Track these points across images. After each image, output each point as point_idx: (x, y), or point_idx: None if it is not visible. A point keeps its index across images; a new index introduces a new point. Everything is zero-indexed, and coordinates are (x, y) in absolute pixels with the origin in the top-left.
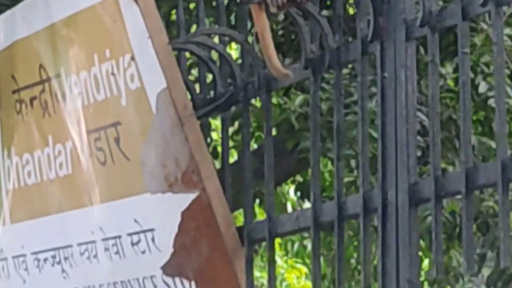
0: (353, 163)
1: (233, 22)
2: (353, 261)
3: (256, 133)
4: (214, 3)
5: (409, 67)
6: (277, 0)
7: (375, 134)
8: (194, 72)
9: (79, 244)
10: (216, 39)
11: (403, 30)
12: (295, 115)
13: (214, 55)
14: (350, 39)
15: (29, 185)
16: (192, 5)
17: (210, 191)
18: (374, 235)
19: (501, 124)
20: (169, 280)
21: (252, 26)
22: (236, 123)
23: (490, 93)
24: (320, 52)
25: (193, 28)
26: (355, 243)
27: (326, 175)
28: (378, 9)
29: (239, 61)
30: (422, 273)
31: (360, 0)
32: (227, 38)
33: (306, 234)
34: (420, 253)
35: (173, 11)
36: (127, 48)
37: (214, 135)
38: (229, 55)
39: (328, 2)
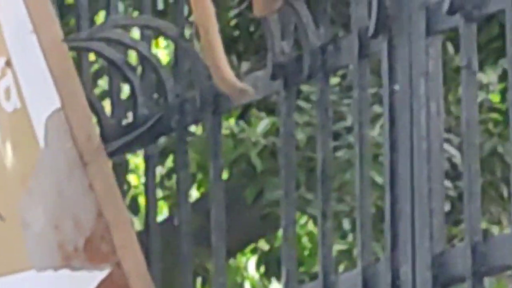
0: (346, 223)
1: (161, 7)
2: None
3: (198, 176)
4: None
5: (431, 74)
6: None
7: (379, 179)
8: (103, 83)
9: None
10: (135, 34)
11: (422, 20)
12: (257, 149)
13: (133, 57)
14: (341, 33)
15: None
16: None
17: (128, 267)
18: None
19: None
20: None
21: (190, 13)
22: (168, 161)
23: None
24: (295, 53)
25: (101, 16)
26: None
27: (305, 240)
28: None
29: (172, 67)
30: None
31: None
32: (152, 32)
33: None
34: None
35: None
36: None
37: (134, 179)
38: (156, 57)
39: None
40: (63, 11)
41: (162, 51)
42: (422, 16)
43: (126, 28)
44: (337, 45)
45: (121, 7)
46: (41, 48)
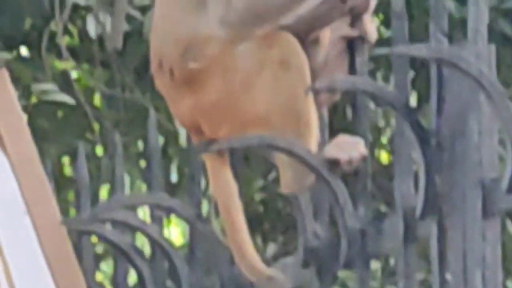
0: None
1: (175, 179)
2: None
3: None
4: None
5: (489, 264)
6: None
7: None
8: (107, 268)
9: None
10: (144, 211)
11: (478, 199)
12: None
13: (141, 239)
14: (384, 211)
15: None
16: None
17: None
18: None
19: None
20: None
21: (208, 187)
22: None
23: None
24: (330, 237)
25: (104, 191)
26: None
27: None
28: (434, 161)
29: (186, 250)
30: None
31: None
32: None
33: None
34: None
35: None
36: None
37: None
38: (168, 241)
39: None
40: (60, 185)
41: (175, 228)
42: (477, 195)
43: (133, 207)
44: (379, 227)
45: (127, 179)
46: (36, 231)
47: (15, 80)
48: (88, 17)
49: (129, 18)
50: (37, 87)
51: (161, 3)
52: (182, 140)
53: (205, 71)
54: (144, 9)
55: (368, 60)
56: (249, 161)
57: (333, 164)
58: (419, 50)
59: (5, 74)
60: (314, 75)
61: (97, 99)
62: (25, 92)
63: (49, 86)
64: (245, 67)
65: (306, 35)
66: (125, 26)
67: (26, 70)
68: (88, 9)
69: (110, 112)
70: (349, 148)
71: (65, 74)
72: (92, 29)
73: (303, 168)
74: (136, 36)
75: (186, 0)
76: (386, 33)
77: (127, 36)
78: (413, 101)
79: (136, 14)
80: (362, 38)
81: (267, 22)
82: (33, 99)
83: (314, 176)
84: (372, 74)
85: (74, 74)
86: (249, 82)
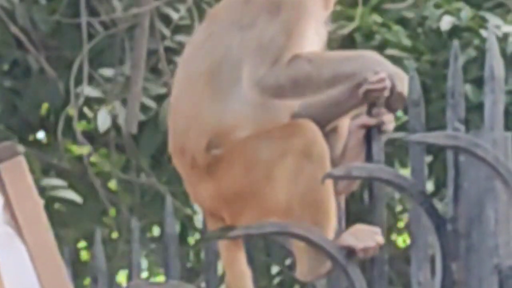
0: None
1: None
2: None
3: None
4: None
5: None
6: None
7: None
8: None
9: None
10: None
11: (495, 286)
12: None
13: None
14: None
15: None
16: None
17: None
18: None
19: None
20: None
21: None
22: None
23: None
24: None
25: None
26: None
27: None
28: (451, 247)
29: None
30: None
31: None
32: None
33: None
34: None
35: None
36: None
37: None
38: None
39: None
40: (78, 270)
41: None
42: (494, 281)
43: None
44: None
45: (144, 263)
46: None
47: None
48: (99, 112)
49: (144, 108)
50: (46, 181)
51: (184, 87)
52: (199, 224)
53: (227, 159)
54: (159, 98)
55: (384, 145)
56: (266, 247)
57: (349, 252)
58: (436, 137)
59: (23, 162)
60: (333, 164)
61: (113, 184)
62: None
63: (59, 182)
64: (267, 156)
65: (326, 123)
66: (140, 116)
67: (37, 164)
68: (101, 100)
69: (125, 196)
70: (366, 237)
71: (80, 159)
72: (101, 124)
73: (320, 256)
74: (151, 124)
75: (218, 86)
76: (403, 117)
77: (143, 123)
78: (430, 185)
79: (151, 103)
80: (379, 127)
81: (301, 96)
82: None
83: (331, 264)
84: (388, 157)
85: (90, 159)
86: (270, 171)
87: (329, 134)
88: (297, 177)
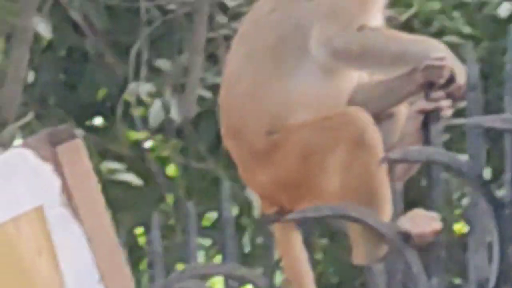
0: None
1: (248, 249)
2: None
3: None
4: None
5: None
6: None
7: None
8: None
9: None
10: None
11: None
12: None
13: None
14: (457, 282)
15: None
16: None
17: None
18: None
19: None
20: None
21: (279, 262)
22: None
23: None
24: None
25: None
26: None
27: None
28: (508, 232)
29: None
30: None
31: None
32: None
33: None
34: None
35: None
36: None
37: None
38: None
39: None
40: (134, 254)
41: None
42: None
43: (206, 277)
44: None
45: (201, 255)
46: None
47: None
48: (152, 106)
49: (200, 99)
50: (105, 165)
51: (242, 64)
52: (256, 210)
53: (284, 145)
54: (214, 88)
55: (442, 131)
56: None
57: (406, 237)
58: (493, 121)
59: (81, 144)
60: (390, 149)
61: (170, 170)
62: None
63: (117, 165)
64: (321, 144)
65: (380, 111)
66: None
67: (94, 148)
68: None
69: (183, 182)
70: (423, 222)
71: (138, 144)
72: (153, 118)
73: (376, 240)
74: (208, 113)
75: (284, 61)
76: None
77: (199, 113)
78: (487, 172)
79: (206, 94)
80: (438, 112)
81: (365, 66)
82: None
83: (387, 247)
84: (446, 145)
85: (148, 144)
86: (324, 160)
87: (385, 120)
88: (350, 165)
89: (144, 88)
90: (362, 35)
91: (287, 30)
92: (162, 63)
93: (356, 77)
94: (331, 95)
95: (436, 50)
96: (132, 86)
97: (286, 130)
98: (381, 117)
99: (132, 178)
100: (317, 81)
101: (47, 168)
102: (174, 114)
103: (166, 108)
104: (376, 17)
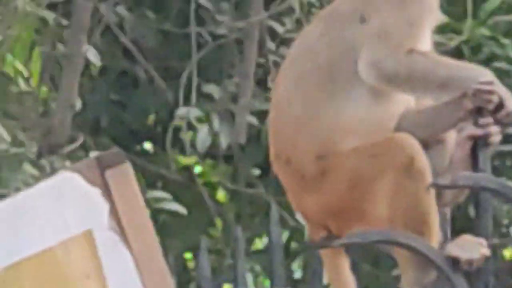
0: None
1: None
2: None
3: None
4: None
5: None
6: None
7: None
8: None
9: None
10: None
11: None
12: None
13: None
14: None
15: None
16: None
17: None
18: None
19: None
20: None
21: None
22: None
23: None
24: None
25: None
26: None
27: None
28: None
29: None
30: None
31: None
32: None
33: None
34: None
35: None
36: None
37: None
38: None
39: None
40: (182, 279)
41: None
42: None
43: None
44: None
45: (250, 280)
46: None
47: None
48: (200, 132)
49: (249, 125)
50: (150, 194)
51: (292, 88)
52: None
53: (333, 172)
54: (262, 114)
55: (492, 157)
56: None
57: (454, 262)
58: None
59: (130, 169)
60: (439, 175)
61: (219, 195)
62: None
63: (163, 194)
64: (369, 171)
65: (428, 137)
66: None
67: (140, 177)
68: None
69: (232, 206)
70: (471, 248)
71: (187, 169)
72: (201, 143)
73: (425, 266)
74: (254, 139)
75: (334, 84)
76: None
77: (247, 138)
78: None
79: (253, 120)
80: (486, 138)
81: (412, 90)
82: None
83: (435, 274)
84: (497, 170)
85: (197, 169)
86: (372, 186)
87: (434, 146)
88: (398, 192)
89: (193, 112)
90: (410, 58)
91: (337, 53)
92: (211, 89)
93: (405, 102)
94: (380, 119)
95: (484, 76)
96: (181, 110)
97: (335, 155)
98: (429, 143)
99: (177, 207)
100: (367, 104)
101: (96, 192)
102: (223, 139)
103: (213, 133)
104: (425, 42)
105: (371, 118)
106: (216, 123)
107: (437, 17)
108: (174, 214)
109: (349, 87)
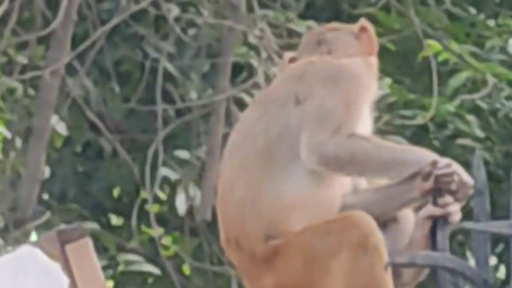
0: None
1: None
2: None
3: None
4: None
5: None
6: None
7: None
8: None
9: None
10: None
11: None
12: None
13: None
14: None
15: None
16: None
17: None
18: None
19: None
20: None
21: None
22: None
23: None
24: None
25: None
26: None
27: None
28: None
29: None
30: None
31: None
32: None
33: None
34: None
35: None
36: None
37: None
38: None
39: None
40: None
41: None
42: None
43: None
44: None
45: None
46: None
47: (103, 249)
48: (178, 193)
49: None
50: (123, 257)
51: (236, 173)
52: None
53: (285, 251)
54: None
55: (455, 234)
56: None
57: None
58: (499, 227)
59: (89, 243)
60: (397, 254)
61: (186, 267)
62: (112, 261)
63: (135, 256)
64: (324, 249)
65: (383, 215)
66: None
67: (112, 240)
68: (175, 184)
69: (198, 280)
70: None
71: (153, 241)
72: (181, 206)
73: None
74: None
75: (276, 165)
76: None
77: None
78: (502, 273)
79: None
80: (446, 217)
81: (357, 173)
82: (121, 267)
83: None
84: (460, 247)
85: (165, 240)
86: (328, 264)
87: (391, 225)
88: (354, 269)
89: (167, 172)
90: (351, 142)
91: (275, 136)
92: (180, 153)
93: (348, 182)
94: (324, 198)
95: (431, 156)
96: (147, 187)
97: (285, 234)
98: (386, 222)
99: (150, 268)
100: (309, 185)
101: (56, 267)
102: (197, 203)
103: (188, 197)
104: (365, 119)
105: (314, 198)
106: (192, 189)
107: (374, 91)
108: (142, 281)
109: (289, 168)
